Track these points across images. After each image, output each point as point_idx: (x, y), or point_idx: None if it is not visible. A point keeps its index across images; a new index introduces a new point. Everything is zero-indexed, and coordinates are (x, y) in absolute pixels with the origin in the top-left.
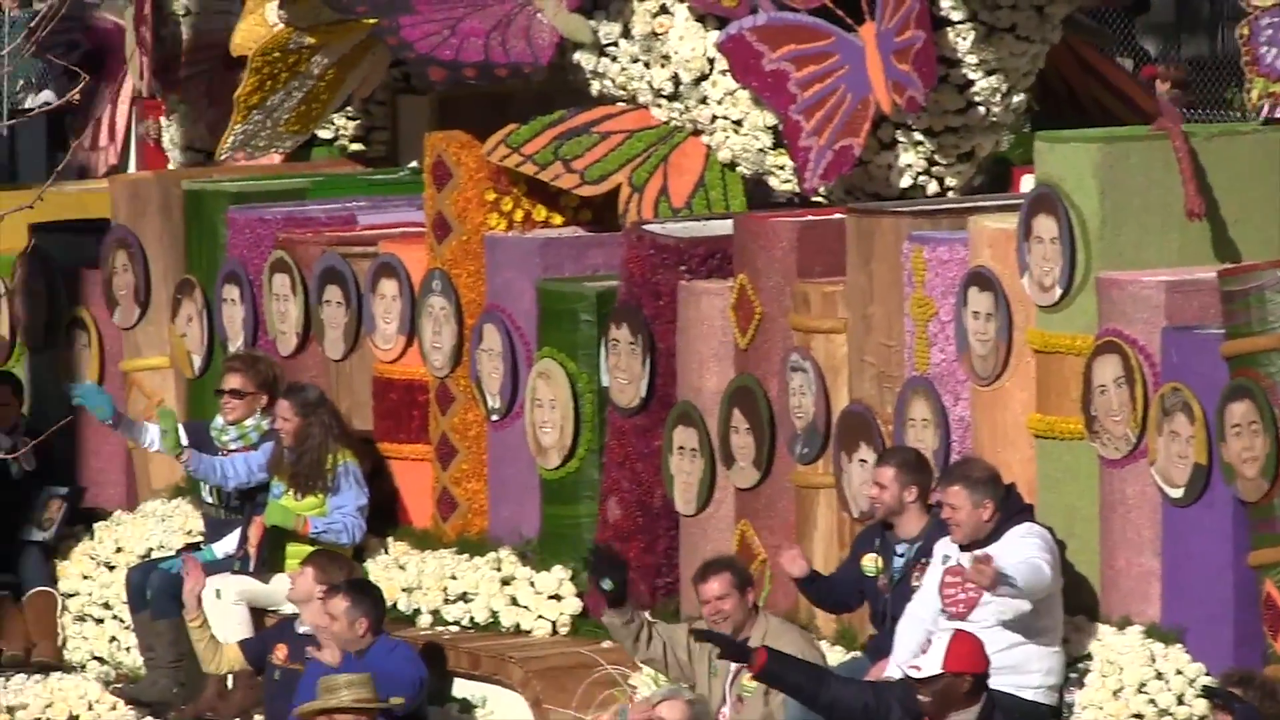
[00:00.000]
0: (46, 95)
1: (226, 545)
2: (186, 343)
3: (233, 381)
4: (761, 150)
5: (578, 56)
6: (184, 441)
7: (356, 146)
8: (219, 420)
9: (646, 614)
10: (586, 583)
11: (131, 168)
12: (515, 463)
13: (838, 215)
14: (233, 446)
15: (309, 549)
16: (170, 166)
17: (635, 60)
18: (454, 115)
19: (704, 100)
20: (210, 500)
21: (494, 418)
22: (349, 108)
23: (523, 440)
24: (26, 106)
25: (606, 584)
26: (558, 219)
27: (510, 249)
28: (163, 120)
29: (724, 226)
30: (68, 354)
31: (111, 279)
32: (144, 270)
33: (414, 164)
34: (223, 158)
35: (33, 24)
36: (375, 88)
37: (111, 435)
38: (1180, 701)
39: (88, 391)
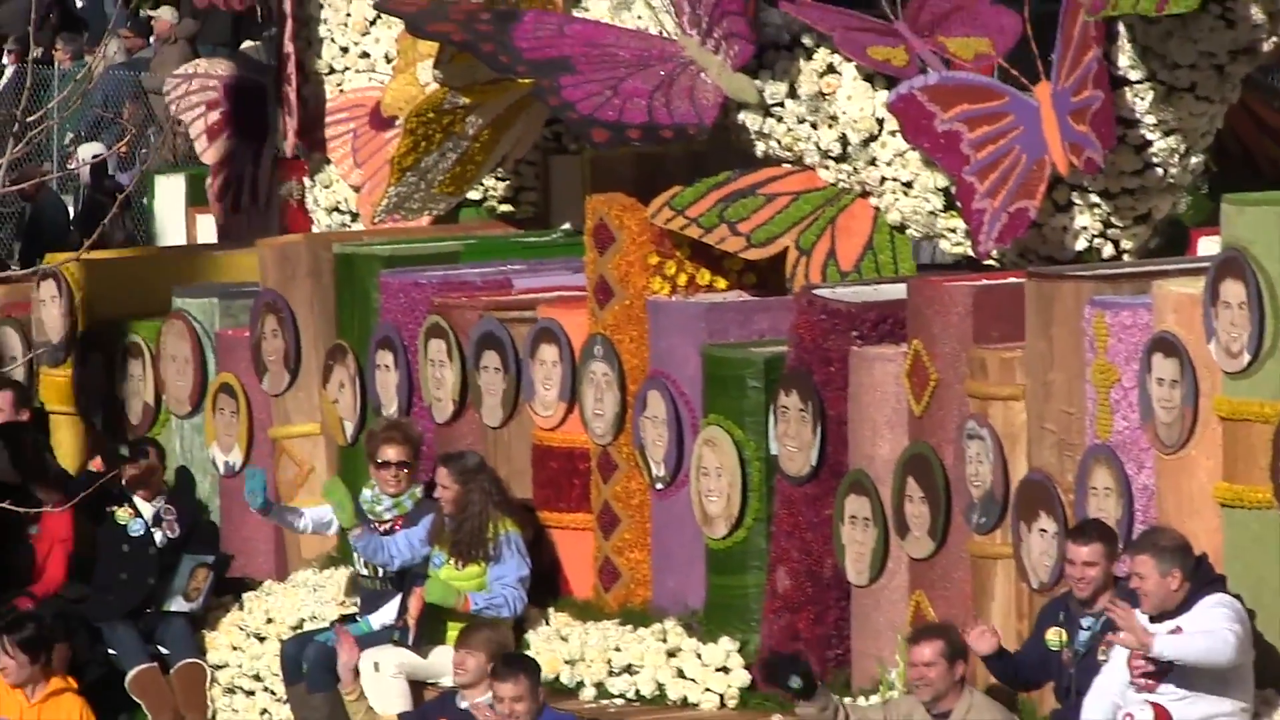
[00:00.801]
0: (95, 148)
1: (383, 616)
2: (338, 409)
3: (394, 453)
4: (932, 213)
5: (742, 117)
6: (356, 518)
7: (505, 208)
8: (368, 492)
9: (838, 698)
10: (766, 671)
11: (276, 231)
12: (680, 532)
13: (1013, 279)
14: (387, 518)
15: (468, 620)
16: (314, 227)
17: (802, 120)
18: (605, 176)
19: (873, 161)
20: (365, 571)
21: (658, 486)
22: (501, 169)
23: (688, 509)
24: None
25: (794, 683)
26: (722, 283)
27: (674, 313)
28: (306, 181)
29: (895, 290)
30: (214, 421)
31: (260, 344)
32: (294, 335)
33: (567, 225)
34: (377, 221)
35: (79, 76)
36: (529, 148)
37: None
38: None
39: (252, 475)
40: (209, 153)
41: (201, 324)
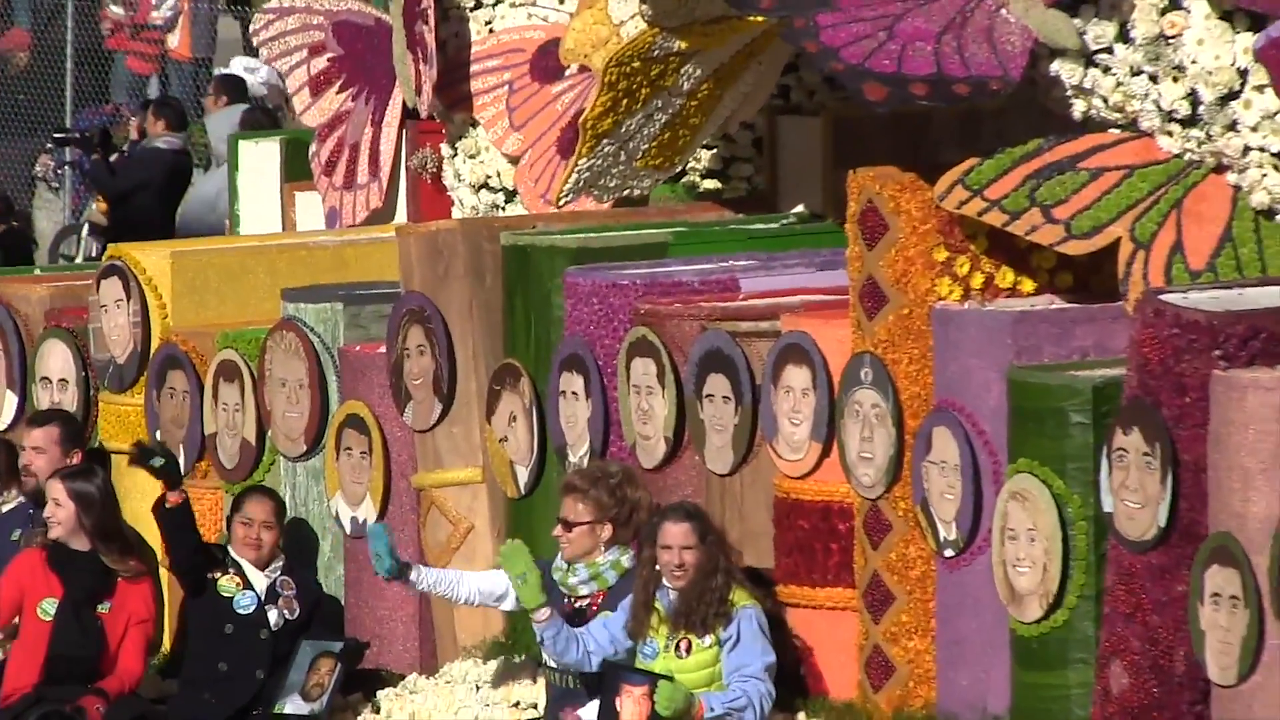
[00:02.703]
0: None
1: None
2: (508, 450)
3: (570, 507)
4: None
5: (1056, 67)
6: (543, 596)
7: (711, 184)
8: (561, 561)
9: None
10: None
11: (400, 212)
12: (976, 614)
13: None
14: (584, 592)
15: None
16: (454, 210)
17: (1137, 72)
18: (852, 143)
19: (1232, 126)
20: (552, 663)
21: (947, 553)
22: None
23: (987, 583)
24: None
25: None
26: (1029, 284)
27: (969, 326)
28: (444, 150)
29: (1266, 295)
30: (338, 465)
31: (402, 364)
32: (447, 353)
33: (800, 208)
34: (562, 204)
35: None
36: (759, 108)
37: None
38: None
39: (375, 533)
40: (312, 112)
41: (320, 337)
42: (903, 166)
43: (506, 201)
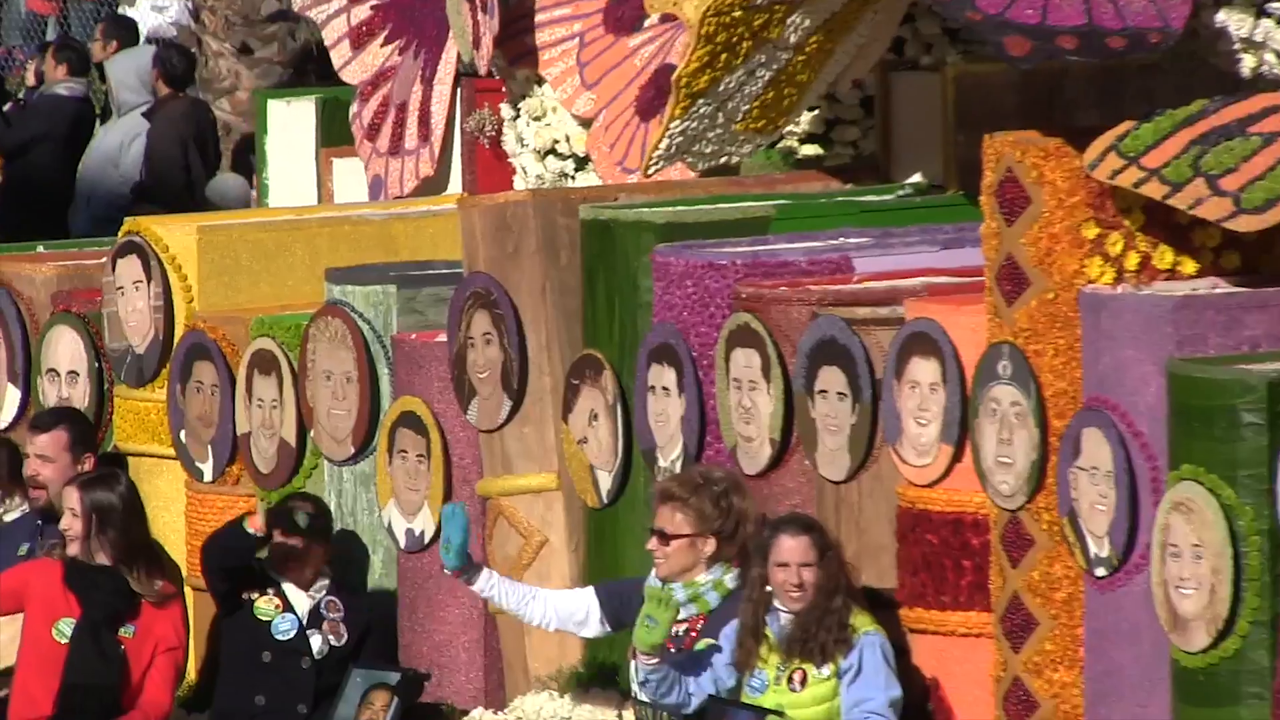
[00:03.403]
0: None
1: None
2: (587, 453)
3: (667, 517)
4: None
5: (1222, 17)
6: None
7: (810, 150)
8: (655, 578)
9: None
10: None
11: (454, 181)
12: (1132, 642)
13: None
14: (682, 616)
15: None
16: (516, 179)
17: None
18: (974, 102)
19: None
20: (644, 696)
21: (1099, 572)
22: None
23: (1145, 606)
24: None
25: None
26: (1190, 265)
27: (1124, 313)
28: (505, 110)
29: None
30: (391, 470)
31: (465, 355)
32: (518, 341)
33: (918, 177)
34: (651, 171)
35: None
36: (873, 64)
37: (461, 589)
38: None
39: (450, 516)
40: (352, 67)
41: (370, 324)
42: (1043, 130)
43: (576, 169)
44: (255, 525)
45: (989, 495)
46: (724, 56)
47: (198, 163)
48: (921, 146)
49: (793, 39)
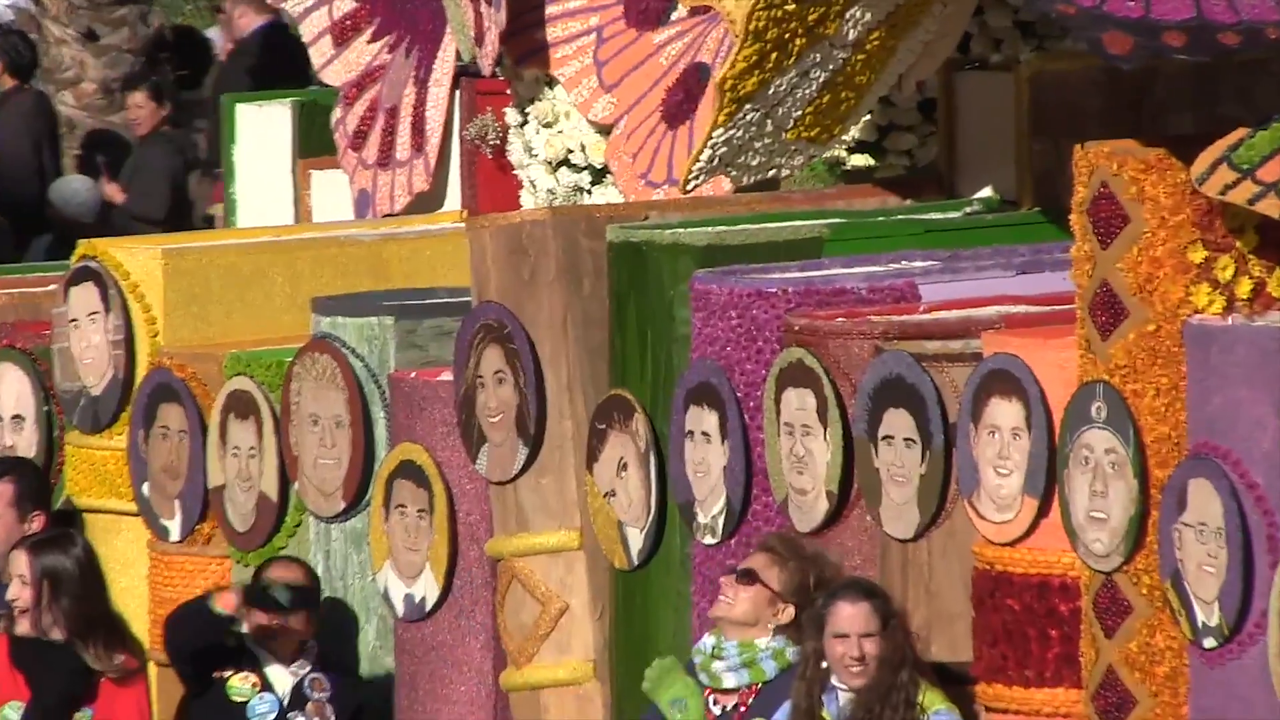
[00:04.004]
0: None
1: None
2: (615, 508)
3: (760, 562)
4: None
5: None
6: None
7: (859, 159)
8: (708, 640)
9: None
10: None
11: (452, 196)
12: None
13: None
14: (729, 683)
15: None
16: (524, 194)
17: None
18: (1051, 105)
19: None
20: None
21: (1207, 643)
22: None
23: (1261, 683)
24: None
25: None
26: None
27: (1236, 347)
28: (510, 115)
29: None
30: (387, 527)
31: (474, 396)
32: (534, 382)
33: (987, 191)
34: (691, 186)
35: None
36: (939, 64)
37: (469, 662)
38: None
39: None
40: (335, 67)
41: (364, 360)
42: (1143, 139)
43: (593, 183)
44: (226, 604)
45: (1080, 555)
46: (774, 56)
47: (51, 164)
48: (991, 157)
49: (851, 35)
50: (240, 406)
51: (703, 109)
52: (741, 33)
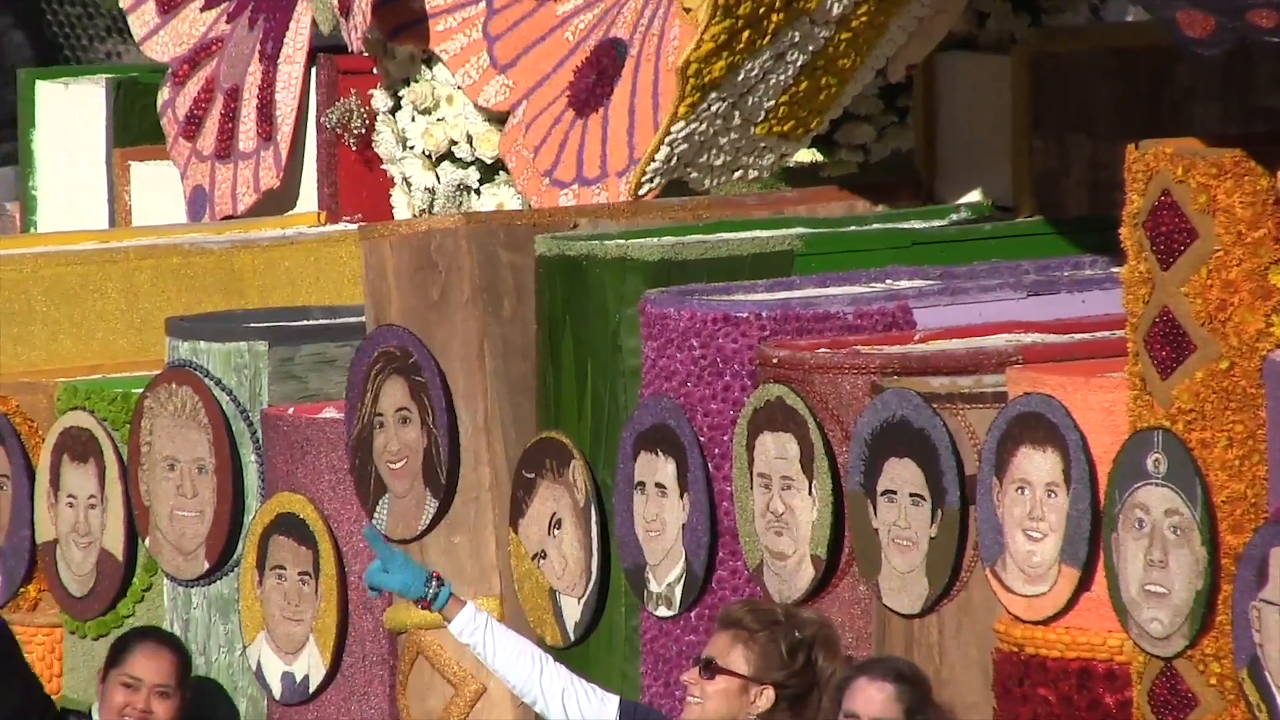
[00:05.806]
0: None
1: None
2: (547, 573)
3: (721, 646)
4: None
5: None
6: None
7: (804, 154)
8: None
9: None
10: None
11: (307, 195)
12: None
13: None
14: None
15: None
16: (396, 192)
17: None
18: (1053, 92)
19: None
20: None
21: None
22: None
23: None
24: None
25: None
26: None
27: None
28: (378, 99)
29: None
30: (259, 594)
31: (370, 437)
32: (446, 420)
33: (975, 195)
34: (645, 189)
35: None
36: (932, 48)
37: None
38: None
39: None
40: (160, 38)
41: (230, 393)
42: (1210, 139)
43: (482, 181)
44: None
45: (1131, 637)
46: (746, 34)
47: None
48: (980, 154)
49: (836, 10)
50: (77, 447)
51: (619, 94)
52: (708, 7)
